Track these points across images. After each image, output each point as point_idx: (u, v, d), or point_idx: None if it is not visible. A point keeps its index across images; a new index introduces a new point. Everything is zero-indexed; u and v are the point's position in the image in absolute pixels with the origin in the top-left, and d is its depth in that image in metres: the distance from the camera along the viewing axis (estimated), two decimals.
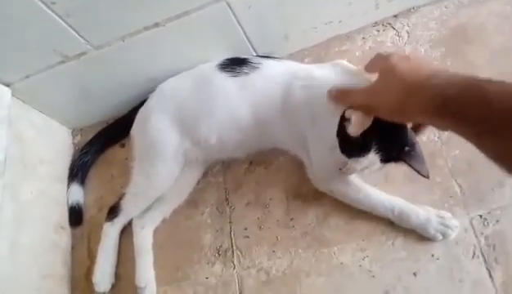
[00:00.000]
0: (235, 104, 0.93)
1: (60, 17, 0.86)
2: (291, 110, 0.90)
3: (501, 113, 0.50)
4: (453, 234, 0.84)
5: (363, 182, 0.89)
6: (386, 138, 0.75)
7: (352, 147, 0.77)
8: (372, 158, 0.76)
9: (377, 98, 0.70)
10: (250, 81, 0.92)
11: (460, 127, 0.57)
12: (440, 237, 0.84)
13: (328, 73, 0.88)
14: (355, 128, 0.72)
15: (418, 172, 0.76)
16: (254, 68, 0.93)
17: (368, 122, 0.72)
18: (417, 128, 0.78)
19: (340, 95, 0.79)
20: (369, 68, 0.78)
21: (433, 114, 0.60)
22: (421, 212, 0.85)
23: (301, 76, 0.90)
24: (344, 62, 0.92)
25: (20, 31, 0.89)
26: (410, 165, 0.77)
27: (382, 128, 0.73)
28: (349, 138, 0.74)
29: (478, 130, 0.54)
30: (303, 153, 0.95)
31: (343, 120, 0.75)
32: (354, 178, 0.89)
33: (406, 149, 0.76)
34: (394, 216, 0.87)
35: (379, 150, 0.76)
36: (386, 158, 0.77)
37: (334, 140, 0.79)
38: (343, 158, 0.79)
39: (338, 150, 0.79)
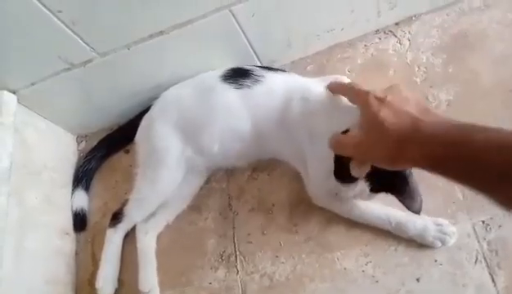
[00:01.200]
0: (237, 116, 0.94)
1: (66, 25, 0.87)
2: (290, 125, 0.91)
3: (488, 168, 0.51)
4: (452, 241, 0.84)
5: None
6: (376, 170, 0.73)
7: (342, 174, 0.77)
8: (362, 186, 0.77)
9: (367, 152, 0.69)
10: (252, 94, 0.93)
11: (453, 180, 0.58)
12: (439, 244, 0.84)
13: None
14: (356, 172, 0.74)
15: (408, 208, 0.76)
16: (257, 81, 0.94)
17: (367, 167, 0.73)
18: None
19: (336, 145, 0.75)
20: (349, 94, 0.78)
21: (425, 168, 0.60)
22: (418, 221, 0.85)
23: (300, 91, 0.91)
24: (345, 78, 0.94)
25: (26, 38, 0.90)
26: (399, 200, 0.76)
27: None
28: (342, 165, 0.75)
29: (470, 183, 0.55)
30: (301, 167, 0.96)
31: None
32: None
33: (398, 182, 0.75)
34: (392, 228, 0.87)
35: (368, 180, 0.76)
36: (376, 189, 0.78)
37: (330, 162, 0.79)
38: (337, 184, 0.80)
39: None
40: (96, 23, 0.89)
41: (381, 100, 0.66)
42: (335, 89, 0.84)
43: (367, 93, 0.69)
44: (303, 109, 0.89)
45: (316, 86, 0.91)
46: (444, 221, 0.85)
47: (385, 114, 0.64)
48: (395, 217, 0.86)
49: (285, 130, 0.92)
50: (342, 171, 0.77)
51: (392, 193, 0.77)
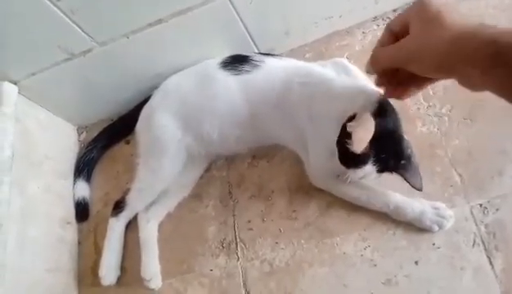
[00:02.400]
0: (237, 102, 0.95)
1: (65, 14, 0.88)
2: (290, 108, 0.91)
3: None
4: (448, 224, 0.85)
5: None
6: (383, 151, 0.76)
7: (350, 158, 0.78)
8: (369, 169, 0.78)
9: (414, 50, 0.62)
10: (251, 79, 0.94)
11: (510, 81, 0.52)
12: (436, 228, 0.85)
13: (328, 72, 0.91)
14: (356, 145, 0.74)
15: (412, 186, 0.79)
16: (256, 66, 0.94)
17: (369, 136, 0.73)
18: (401, 94, 0.71)
19: (372, 63, 0.70)
20: (398, 22, 0.66)
21: (483, 64, 0.54)
22: (416, 205, 0.86)
23: (301, 73, 0.91)
24: (345, 61, 0.94)
25: (26, 29, 0.91)
26: (404, 178, 0.79)
27: (380, 141, 0.74)
28: (348, 150, 0.76)
29: None
30: (301, 150, 0.97)
31: (344, 132, 0.77)
32: None
33: (403, 162, 0.78)
34: (390, 211, 0.88)
35: (376, 162, 0.77)
36: (382, 169, 0.79)
37: (332, 144, 0.81)
38: (342, 167, 0.81)
39: (337, 157, 0.81)
40: (95, 12, 0.90)
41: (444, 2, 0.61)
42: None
43: None
44: (303, 92, 0.89)
45: (316, 69, 0.91)
46: (441, 205, 0.86)
47: (449, 11, 0.59)
48: (394, 200, 0.87)
49: (285, 113, 0.92)
50: (347, 156, 0.78)
51: (398, 172, 0.79)
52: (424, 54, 0.61)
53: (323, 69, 0.92)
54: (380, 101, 0.77)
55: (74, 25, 0.91)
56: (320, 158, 0.90)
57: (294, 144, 0.98)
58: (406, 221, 0.88)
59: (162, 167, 1.01)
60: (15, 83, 1.04)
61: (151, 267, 1.00)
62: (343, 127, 0.77)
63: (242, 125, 0.96)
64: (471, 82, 0.58)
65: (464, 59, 0.56)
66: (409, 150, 0.78)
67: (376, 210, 0.90)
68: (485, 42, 0.53)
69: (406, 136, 0.80)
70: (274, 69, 0.94)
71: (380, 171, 0.79)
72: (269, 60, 0.96)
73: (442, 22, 0.59)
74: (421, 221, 0.86)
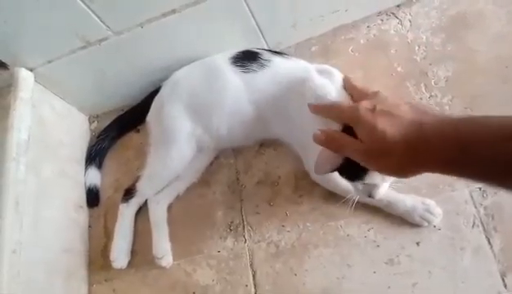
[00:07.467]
0: (243, 99, 0.97)
1: (84, 3, 0.91)
2: (291, 109, 0.94)
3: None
4: (437, 221, 0.89)
5: None
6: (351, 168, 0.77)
7: (352, 172, 0.81)
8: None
9: (376, 164, 0.67)
10: (258, 78, 0.96)
11: (470, 179, 0.59)
12: (425, 223, 0.89)
13: (326, 82, 0.91)
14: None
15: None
16: (263, 65, 0.97)
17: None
18: None
19: (329, 141, 0.75)
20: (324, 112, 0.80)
21: (439, 172, 0.60)
22: (408, 201, 0.90)
23: (303, 77, 0.93)
24: (334, 70, 0.93)
25: (45, 16, 0.94)
26: None
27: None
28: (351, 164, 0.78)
29: (489, 180, 0.55)
30: (300, 148, 1.00)
31: None
32: None
33: None
34: (383, 206, 0.92)
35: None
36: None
37: None
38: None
39: None
40: (112, 1, 0.93)
41: (371, 111, 0.65)
42: (317, 110, 0.84)
43: (355, 108, 0.68)
44: (303, 98, 0.91)
45: (317, 75, 0.92)
46: (431, 202, 0.90)
47: (383, 125, 0.62)
48: (387, 196, 0.89)
49: (287, 114, 0.95)
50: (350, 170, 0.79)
51: None
52: (383, 169, 0.67)
53: (321, 77, 0.91)
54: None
55: (93, 14, 0.94)
56: (313, 156, 0.93)
57: (294, 141, 1.01)
58: (398, 215, 0.91)
59: (171, 157, 1.04)
60: (31, 70, 1.07)
61: (163, 245, 1.04)
62: None
63: (249, 122, 0.99)
64: None
65: (421, 169, 0.63)
66: None
67: (370, 205, 0.93)
68: (434, 154, 0.58)
69: None
70: (280, 71, 0.96)
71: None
72: (276, 61, 0.97)
73: (384, 140, 0.62)
74: (412, 216, 0.90)
